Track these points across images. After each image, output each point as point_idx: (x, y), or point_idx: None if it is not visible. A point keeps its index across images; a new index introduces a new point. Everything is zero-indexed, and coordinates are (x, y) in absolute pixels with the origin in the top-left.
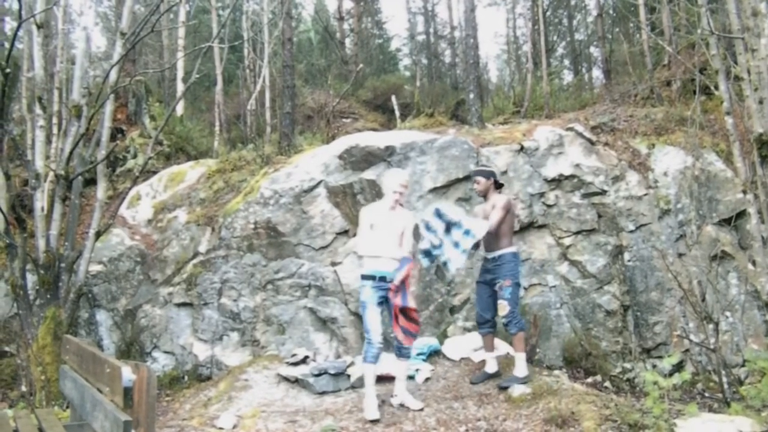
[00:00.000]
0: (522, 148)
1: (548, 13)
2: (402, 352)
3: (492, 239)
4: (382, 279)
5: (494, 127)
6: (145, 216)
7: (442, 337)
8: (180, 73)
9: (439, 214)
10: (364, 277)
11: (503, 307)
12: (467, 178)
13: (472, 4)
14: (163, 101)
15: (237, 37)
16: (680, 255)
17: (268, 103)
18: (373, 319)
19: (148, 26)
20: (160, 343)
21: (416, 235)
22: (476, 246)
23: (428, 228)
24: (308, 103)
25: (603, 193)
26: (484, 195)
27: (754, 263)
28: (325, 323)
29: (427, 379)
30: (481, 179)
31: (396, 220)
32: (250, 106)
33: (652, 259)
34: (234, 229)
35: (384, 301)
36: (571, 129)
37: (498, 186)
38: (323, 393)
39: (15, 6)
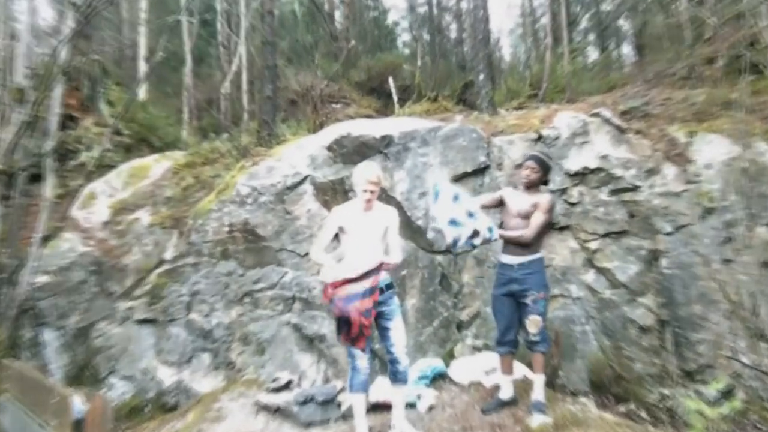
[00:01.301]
0: (540, 137)
1: None
2: (398, 377)
3: (519, 242)
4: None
5: (508, 113)
6: (101, 218)
7: (448, 357)
8: (142, 51)
9: (456, 197)
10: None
11: (536, 324)
12: (476, 172)
13: None
14: (122, 84)
15: (209, 9)
16: (727, 261)
17: (245, 86)
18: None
19: None
20: (117, 366)
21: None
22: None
23: (436, 197)
24: (292, 86)
25: (635, 188)
26: (530, 186)
27: None
28: (311, 342)
29: (431, 408)
30: (538, 167)
31: (373, 222)
32: (224, 90)
33: (693, 266)
34: (205, 233)
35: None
36: (597, 115)
37: (545, 183)
38: (309, 424)
39: None
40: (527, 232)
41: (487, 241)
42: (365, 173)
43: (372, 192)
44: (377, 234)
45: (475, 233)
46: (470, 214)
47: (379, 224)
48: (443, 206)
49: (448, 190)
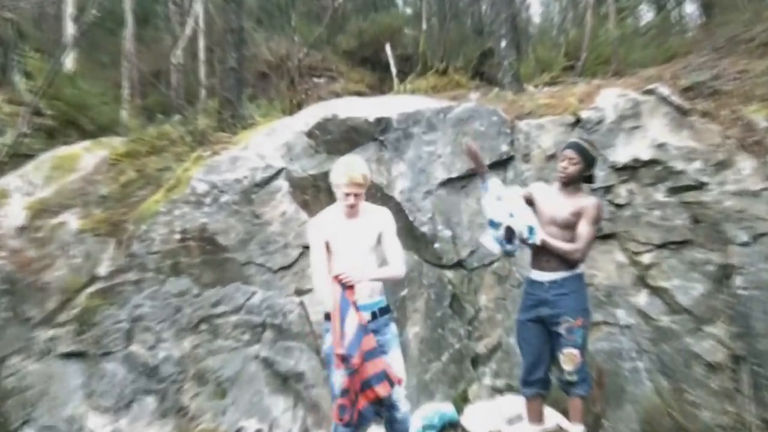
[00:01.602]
0: (578, 120)
1: None
2: (396, 426)
3: (552, 253)
4: None
5: (537, 90)
6: (16, 222)
7: (461, 401)
8: (69, 9)
9: (499, 198)
10: (329, 317)
11: (572, 359)
12: (496, 165)
13: None
14: (43, 51)
15: None
16: None
17: (202, 55)
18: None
19: None
20: (35, 414)
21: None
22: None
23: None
24: (262, 54)
25: (700, 186)
26: (568, 183)
27: None
28: (286, 381)
29: None
30: (578, 158)
31: (361, 232)
32: (175, 59)
33: None
34: (151, 242)
35: None
36: (651, 92)
37: (588, 179)
38: None
39: None
40: (578, 244)
41: (524, 243)
42: (348, 171)
43: (356, 195)
44: (366, 245)
45: (510, 233)
46: (510, 215)
47: (369, 232)
48: (487, 204)
49: (495, 188)
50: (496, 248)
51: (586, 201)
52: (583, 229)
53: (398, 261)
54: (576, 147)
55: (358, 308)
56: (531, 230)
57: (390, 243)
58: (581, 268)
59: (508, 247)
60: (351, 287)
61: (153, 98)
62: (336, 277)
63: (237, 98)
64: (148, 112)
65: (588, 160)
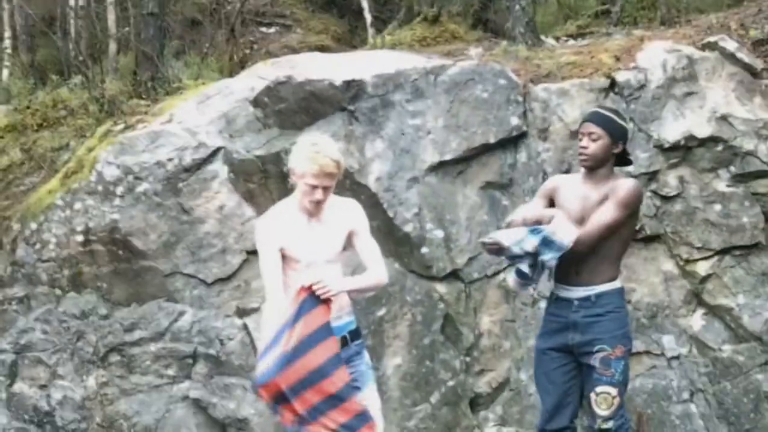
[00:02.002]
0: (613, 84)
1: None
2: None
3: (582, 261)
4: None
5: (558, 44)
6: None
7: None
8: None
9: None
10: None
11: (608, 400)
12: (505, 143)
13: None
14: None
15: None
16: None
17: None
18: None
19: None
20: None
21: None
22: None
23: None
24: None
25: None
26: (593, 167)
27: None
28: (224, 430)
29: None
30: (603, 132)
31: (327, 232)
32: (76, 1)
33: None
34: (44, 246)
35: None
36: (712, 46)
37: (623, 161)
38: None
39: None
40: (585, 228)
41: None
42: (317, 157)
43: (325, 189)
44: (333, 251)
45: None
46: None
47: (336, 234)
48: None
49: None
50: (529, 288)
51: (621, 184)
52: (604, 211)
53: (380, 266)
54: (596, 118)
55: (332, 332)
56: (545, 240)
57: (366, 244)
58: (619, 282)
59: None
60: (328, 303)
61: (45, 53)
62: (306, 290)
63: (158, 54)
64: (39, 73)
65: (615, 132)
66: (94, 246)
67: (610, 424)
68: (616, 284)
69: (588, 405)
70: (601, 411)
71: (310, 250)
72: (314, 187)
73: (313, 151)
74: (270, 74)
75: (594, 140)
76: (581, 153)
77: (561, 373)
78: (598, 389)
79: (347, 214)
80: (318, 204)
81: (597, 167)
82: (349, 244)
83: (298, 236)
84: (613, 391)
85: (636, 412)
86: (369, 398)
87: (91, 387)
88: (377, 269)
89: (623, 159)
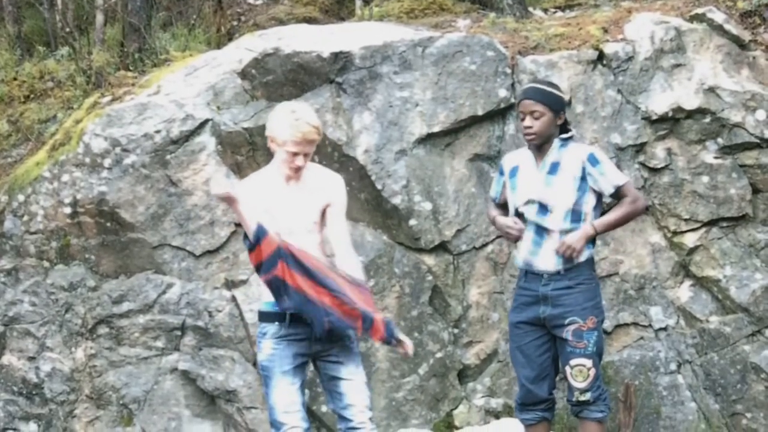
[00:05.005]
0: (601, 56)
1: None
2: None
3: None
4: (298, 318)
5: (546, 15)
6: None
7: (444, 428)
8: None
9: None
10: (264, 317)
11: (583, 372)
12: (493, 115)
13: None
14: None
15: None
16: None
17: None
18: (285, 399)
19: None
20: None
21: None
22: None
23: None
24: None
25: (764, 145)
26: (542, 143)
27: None
28: (213, 401)
29: None
30: (543, 108)
31: (306, 199)
32: None
33: None
34: (31, 218)
35: (305, 364)
36: (699, 18)
37: (564, 129)
38: None
39: None
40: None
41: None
42: (296, 123)
43: (305, 155)
44: (309, 220)
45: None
46: None
47: (314, 203)
48: None
49: None
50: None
51: (576, 152)
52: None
53: (350, 255)
54: (536, 95)
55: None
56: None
57: (338, 224)
58: (590, 252)
59: None
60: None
61: (31, 24)
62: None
63: (145, 25)
64: (25, 43)
65: (556, 106)
66: (82, 218)
67: (587, 396)
68: (585, 256)
69: (564, 378)
70: (578, 383)
71: (286, 217)
72: (294, 155)
73: (293, 118)
74: (257, 46)
75: (537, 118)
76: (528, 133)
77: (534, 347)
78: (573, 362)
79: (328, 185)
80: (296, 171)
81: (545, 143)
82: (320, 218)
83: (274, 202)
84: (588, 362)
85: (623, 384)
86: (353, 374)
87: (80, 359)
88: (352, 261)
89: (564, 128)
